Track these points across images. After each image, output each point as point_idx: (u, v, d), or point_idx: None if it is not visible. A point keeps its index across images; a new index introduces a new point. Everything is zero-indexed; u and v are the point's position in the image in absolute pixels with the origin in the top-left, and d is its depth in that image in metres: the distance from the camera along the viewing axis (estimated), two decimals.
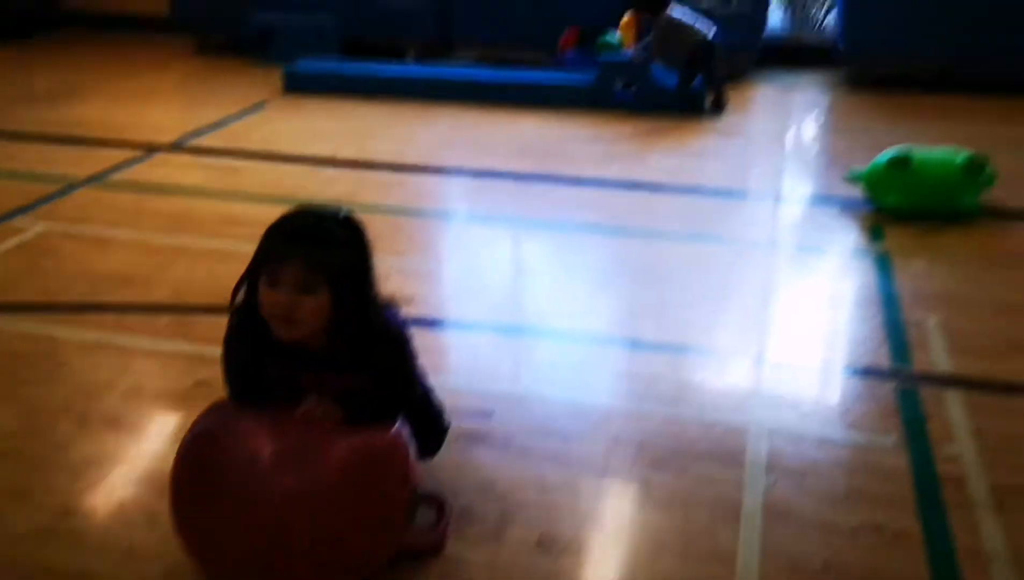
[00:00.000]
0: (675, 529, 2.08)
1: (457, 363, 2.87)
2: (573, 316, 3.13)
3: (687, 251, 3.67)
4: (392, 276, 2.48)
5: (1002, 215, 3.95)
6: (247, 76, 6.60)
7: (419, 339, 2.03)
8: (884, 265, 3.49)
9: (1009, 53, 5.90)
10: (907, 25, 5.99)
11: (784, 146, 5.19)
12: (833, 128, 5.68)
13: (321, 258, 1.81)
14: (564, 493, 2.19)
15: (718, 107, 5.68)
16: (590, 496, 2.19)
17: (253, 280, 1.85)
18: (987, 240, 3.75)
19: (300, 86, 6.07)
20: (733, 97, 5.93)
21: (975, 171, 3.88)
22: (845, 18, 6.20)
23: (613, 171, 4.58)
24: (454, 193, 4.46)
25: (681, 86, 5.59)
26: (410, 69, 6.25)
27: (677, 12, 5.59)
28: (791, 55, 6.90)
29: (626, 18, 6.06)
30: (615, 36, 6.11)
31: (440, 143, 5.10)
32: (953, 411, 2.52)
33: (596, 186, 4.41)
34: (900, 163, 3.87)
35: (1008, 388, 2.66)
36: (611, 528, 2.12)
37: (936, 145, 4.16)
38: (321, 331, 1.86)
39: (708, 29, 5.57)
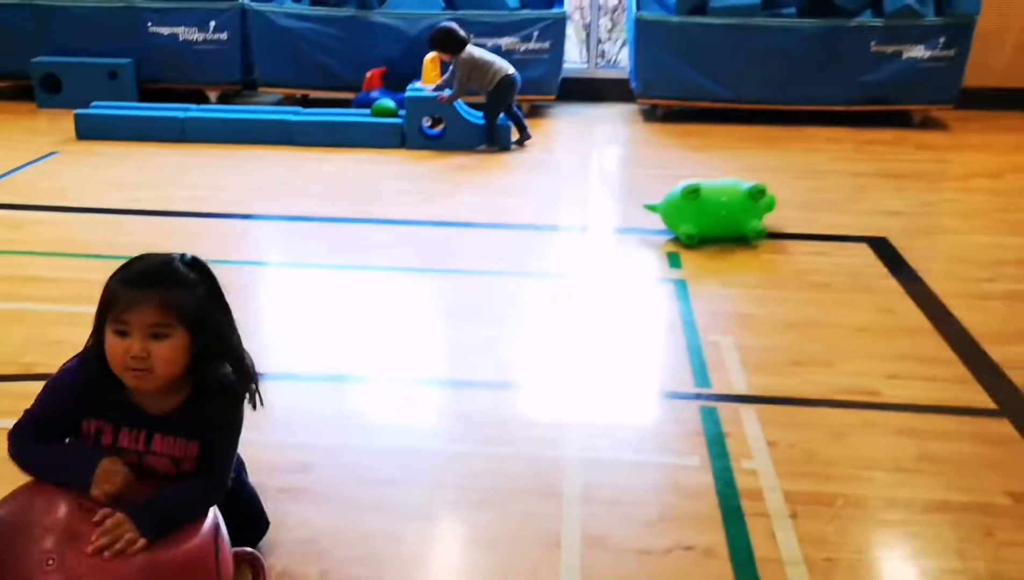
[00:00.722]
0: (499, 567, 2.14)
1: (277, 417, 2.82)
2: (394, 360, 3.15)
3: (501, 286, 3.77)
4: None
5: (781, 236, 4.31)
6: (35, 123, 6.24)
7: None
8: (682, 290, 3.72)
9: (777, 89, 6.44)
10: (691, 65, 6.41)
11: (588, 179, 5.44)
12: (631, 160, 5.99)
13: (174, 299, 1.73)
14: (388, 542, 2.20)
15: (521, 141, 5.87)
16: (415, 543, 2.21)
17: (99, 331, 1.75)
18: (770, 261, 4.07)
19: (94, 132, 5.80)
20: (538, 133, 6.15)
21: (757, 197, 4.20)
22: (636, 60, 6.57)
23: (425, 211, 4.64)
24: (265, 240, 4.39)
25: (487, 122, 5.74)
26: (212, 111, 6.09)
27: (476, 52, 5.74)
28: (589, 90, 7.23)
29: (428, 57, 6.17)
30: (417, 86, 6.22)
31: (246, 188, 5.00)
32: (749, 427, 2.72)
33: (408, 225, 4.46)
34: (691, 193, 4.14)
35: (794, 401, 2.90)
36: (436, 573, 2.15)
37: (721, 177, 4.49)
38: (173, 384, 1.78)
39: (507, 66, 5.75)
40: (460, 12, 6.50)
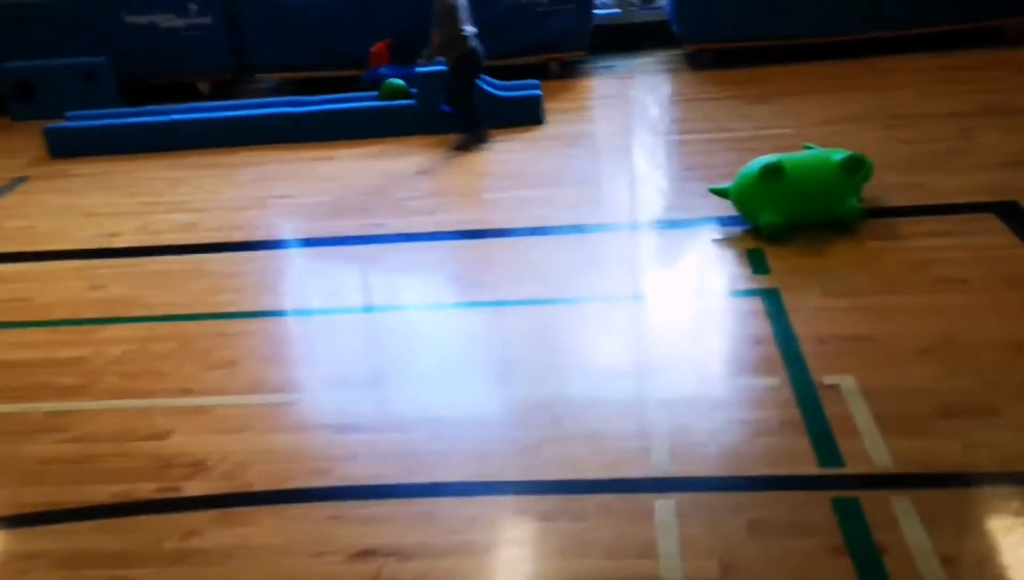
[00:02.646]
0: None
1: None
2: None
3: (538, 324, 3.05)
4: None
5: (884, 213, 3.50)
6: (7, 142, 5.58)
7: None
8: (774, 305, 2.95)
9: (840, 16, 5.52)
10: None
11: (633, 155, 4.62)
12: (683, 123, 5.09)
13: None
14: None
15: (473, 142, 4.77)
16: None
17: None
18: (879, 252, 3.27)
19: (69, 149, 5.12)
20: (569, 96, 5.36)
21: (853, 170, 3.40)
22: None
23: (450, 218, 3.91)
24: (269, 279, 3.65)
25: (458, 108, 4.74)
26: (200, 112, 5.35)
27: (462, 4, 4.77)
28: (625, 38, 6.36)
29: None
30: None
31: (243, 204, 4.29)
32: (909, 532, 1.98)
33: (433, 241, 3.74)
34: (773, 173, 3.35)
35: (962, 479, 2.15)
36: None
37: (795, 140, 3.69)
38: None
39: (473, 37, 4.73)
40: None
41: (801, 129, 4.50)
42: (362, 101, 5.14)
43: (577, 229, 3.70)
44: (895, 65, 5.42)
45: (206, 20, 5.90)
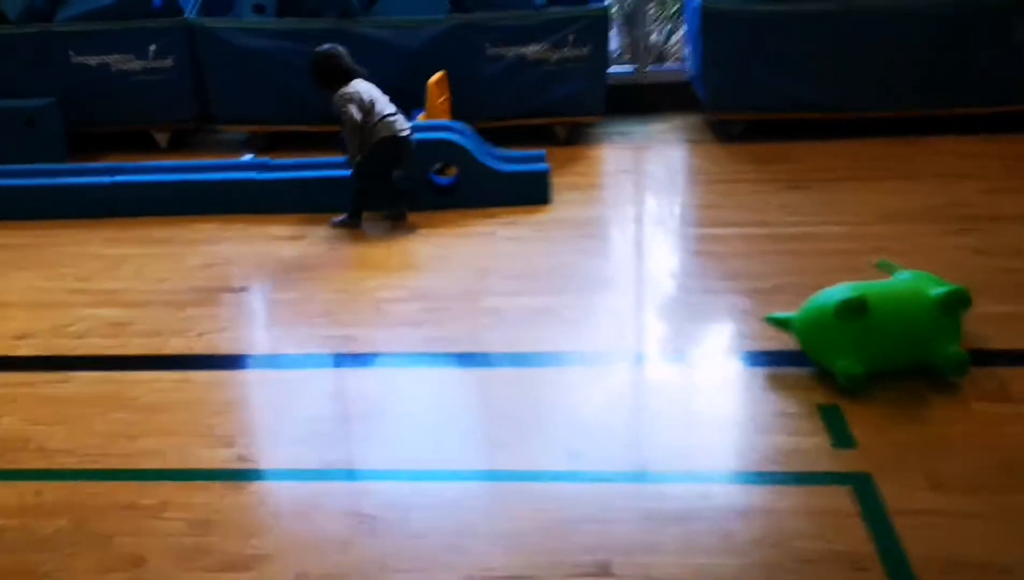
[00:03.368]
0: None
1: None
2: None
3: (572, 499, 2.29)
4: None
5: (989, 359, 2.79)
6: None
7: None
8: (871, 503, 2.22)
9: (892, 91, 4.87)
10: (777, 65, 4.86)
11: (657, 254, 3.90)
12: (715, 211, 4.26)
13: None
14: None
15: (393, 214, 4.14)
16: None
17: None
18: (994, 420, 2.53)
19: None
20: (578, 169, 4.67)
21: (954, 309, 2.69)
22: (702, 61, 5.00)
23: (438, 335, 3.15)
24: (207, 413, 2.86)
25: (354, 185, 4.08)
26: (147, 173, 4.53)
27: (364, 87, 4.03)
28: (639, 99, 5.69)
29: (433, 79, 4.65)
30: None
31: (191, 298, 3.52)
32: None
33: (419, 364, 2.99)
34: (855, 310, 2.63)
35: None
36: None
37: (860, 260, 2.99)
38: None
39: (396, 123, 3.99)
40: (473, 15, 4.96)
41: (856, 228, 3.82)
42: (341, 168, 4.40)
43: (591, 358, 2.96)
44: (952, 148, 4.75)
45: (166, 63, 5.16)
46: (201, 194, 4.35)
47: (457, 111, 4.90)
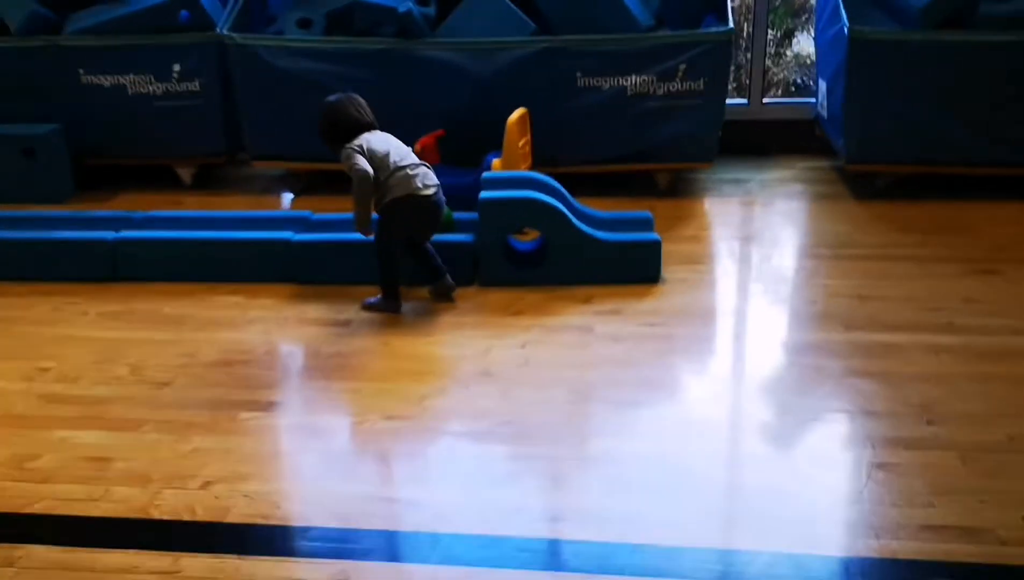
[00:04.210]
0: None
1: None
2: None
3: None
4: None
5: None
6: None
7: None
8: None
9: None
10: (942, 108, 3.90)
11: (807, 377, 2.93)
12: (874, 302, 3.28)
13: None
14: None
15: (440, 290, 3.31)
16: None
17: None
18: None
19: None
20: (681, 230, 3.76)
21: None
22: (844, 102, 4.02)
23: (535, 510, 2.24)
24: None
25: (379, 261, 3.23)
26: (159, 226, 3.68)
27: (376, 141, 3.17)
28: (752, 140, 4.75)
29: (514, 117, 3.76)
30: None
31: (194, 418, 2.66)
32: None
33: (514, 562, 2.07)
34: None
35: None
36: None
37: None
38: None
39: (422, 179, 3.16)
40: (563, 39, 4.05)
41: None
42: None
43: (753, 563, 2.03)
44: None
45: (192, 86, 4.33)
46: (225, 257, 3.50)
47: (537, 153, 4.01)
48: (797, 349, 2.94)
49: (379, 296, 3.26)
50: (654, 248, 3.38)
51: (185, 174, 4.54)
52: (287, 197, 4.47)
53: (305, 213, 3.73)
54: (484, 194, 3.35)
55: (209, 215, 3.81)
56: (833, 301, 3.26)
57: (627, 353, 2.91)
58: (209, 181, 4.59)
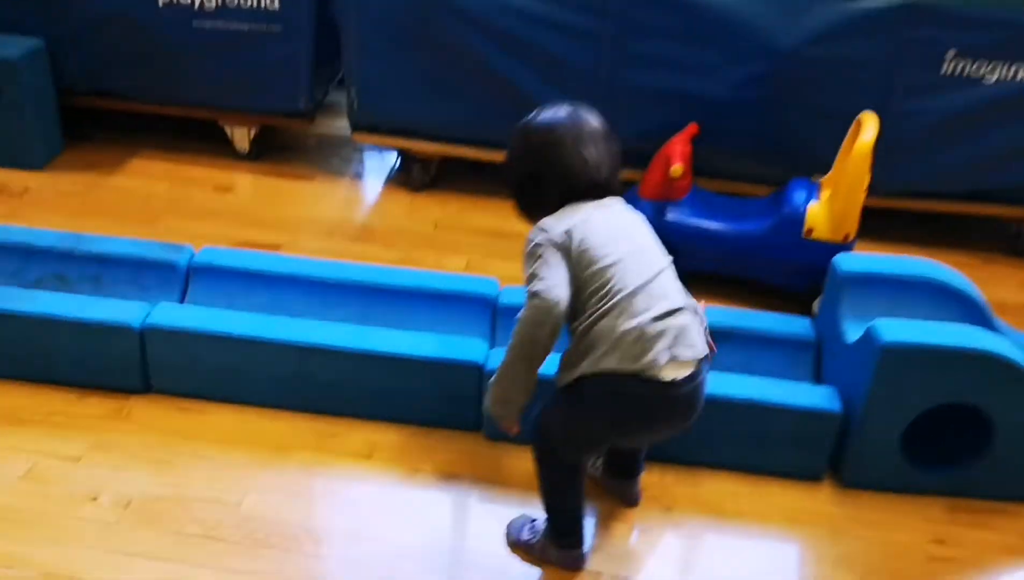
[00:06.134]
0: None
1: None
2: None
3: None
4: None
5: None
6: None
7: None
8: None
9: None
10: None
11: None
12: None
13: None
14: None
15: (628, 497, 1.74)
16: None
17: None
18: None
19: None
20: None
21: None
22: None
23: None
24: None
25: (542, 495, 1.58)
26: (158, 322, 2.02)
27: (596, 220, 1.47)
28: None
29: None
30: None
31: None
32: None
33: None
34: None
35: None
36: None
37: None
38: None
39: (684, 339, 1.43)
40: None
41: None
42: None
43: None
44: None
45: (268, 2, 2.59)
46: (374, 390, 1.85)
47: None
48: None
49: (531, 523, 1.65)
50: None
51: (241, 137, 2.83)
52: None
53: (491, 280, 2.04)
54: (882, 334, 1.69)
55: (318, 271, 2.08)
56: None
57: None
58: (272, 150, 2.90)
